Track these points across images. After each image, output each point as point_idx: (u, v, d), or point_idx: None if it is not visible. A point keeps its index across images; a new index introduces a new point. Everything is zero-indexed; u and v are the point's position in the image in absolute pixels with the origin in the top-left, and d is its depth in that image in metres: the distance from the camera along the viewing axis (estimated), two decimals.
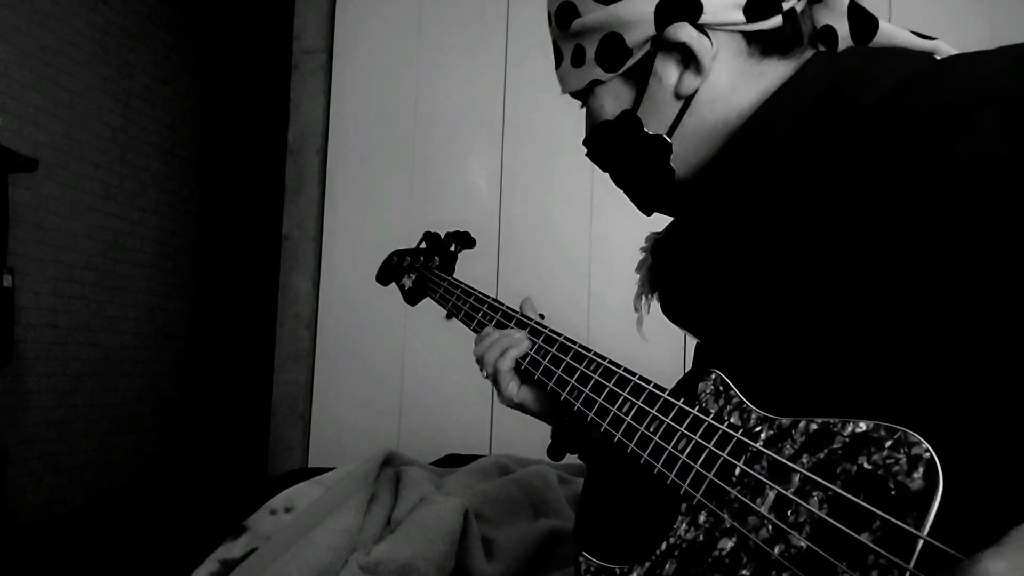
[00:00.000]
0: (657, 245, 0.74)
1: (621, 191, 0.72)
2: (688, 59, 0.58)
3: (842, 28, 0.61)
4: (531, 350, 0.79)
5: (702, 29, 0.57)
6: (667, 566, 0.52)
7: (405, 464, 1.34)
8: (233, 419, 4.28)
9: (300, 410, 2.74)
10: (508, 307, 0.87)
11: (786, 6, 0.58)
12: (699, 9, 0.56)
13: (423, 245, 1.17)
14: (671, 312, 0.68)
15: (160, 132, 3.77)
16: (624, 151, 0.65)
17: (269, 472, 2.70)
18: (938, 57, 0.53)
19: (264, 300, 3.58)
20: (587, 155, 0.70)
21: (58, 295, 3.11)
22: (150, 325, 3.71)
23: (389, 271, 1.21)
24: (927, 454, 0.39)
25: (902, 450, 0.40)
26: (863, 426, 0.43)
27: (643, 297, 0.76)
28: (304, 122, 2.83)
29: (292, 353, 2.77)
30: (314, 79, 2.83)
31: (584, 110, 0.69)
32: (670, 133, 0.61)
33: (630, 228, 0.80)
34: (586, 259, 2.54)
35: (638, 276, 0.78)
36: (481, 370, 0.85)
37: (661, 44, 0.59)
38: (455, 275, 1.09)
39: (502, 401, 0.83)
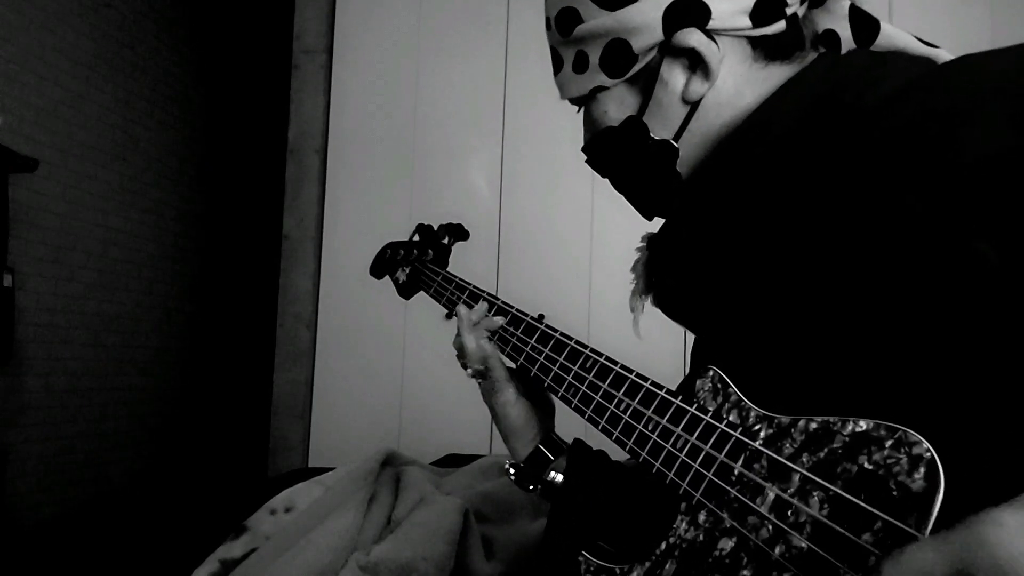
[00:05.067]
0: (654, 241, 0.74)
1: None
2: (696, 64, 0.58)
3: (844, 31, 0.61)
4: (527, 347, 0.78)
5: (709, 34, 0.57)
6: (667, 566, 0.52)
7: (405, 464, 1.34)
8: (233, 419, 4.28)
9: (300, 410, 2.74)
10: (504, 302, 0.86)
11: (788, 11, 0.58)
12: (707, 15, 0.56)
13: (416, 237, 1.15)
14: (667, 306, 0.68)
15: (160, 132, 3.77)
16: (629, 157, 0.64)
17: (269, 472, 2.70)
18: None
19: (264, 300, 3.58)
20: (587, 161, 0.69)
21: (58, 295, 3.10)
22: (150, 325, 3.70)
23: (383, 264, 1.19)
24: (928, 454, 0.38)
25: (903, 450, 0.40)
26: (863, 425, 0.42)
27: (638, 297, 0.76)
28: (304, 122, 2.83)
29: (292, 353, 2.77)
30: (314, 79, 2.83)
31: (581, 114, 0.68)
32: (676, 138, 0.61)
33: (631, 227, 0.80)
34: (586, 259, 2.54)
35: (633, 275, 0.78)
36: (465, 368, 0.85)
37: (669, 50, 0.58)
38: (449, 268, 1.08)
39: (491, 401, 0.82)
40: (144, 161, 3.64)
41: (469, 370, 0.85)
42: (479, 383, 0.85)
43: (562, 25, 0.63)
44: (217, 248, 4.29)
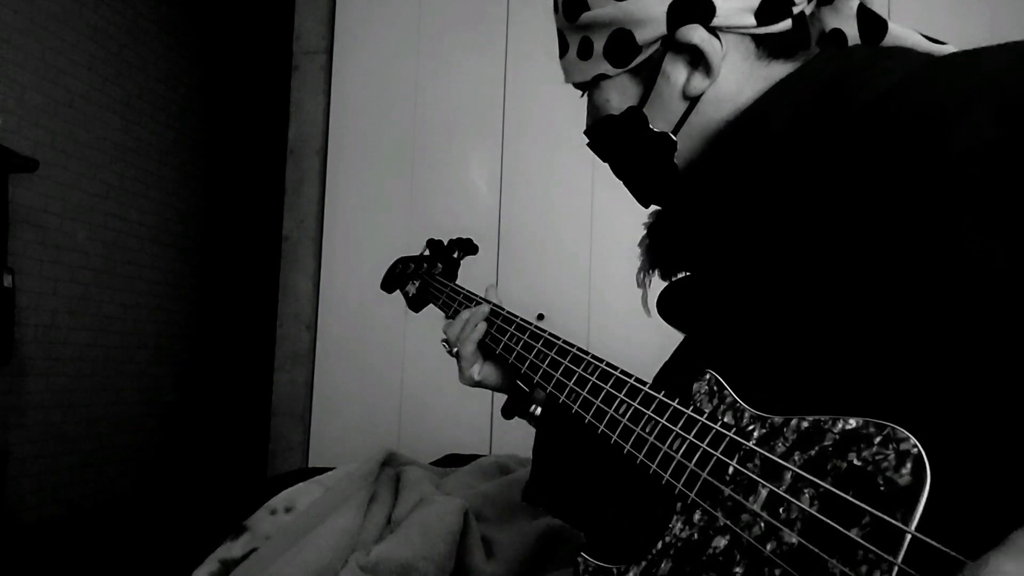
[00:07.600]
0: (652, 228, 0.75)
1: (619, 184, 0.72)
2: (697, 60, 0.58)
3: (851, 31, 0.60)
4: (531, 354, 0.79)
5: (713, 31, 0.57)
6: (663, 565, 0.52)
7: (405, 464, 1.35)
8: (233, 419, 4.28)
9: (300, 410, 2.74)
10: (508, 312, 0.88)
11: (795, 10, 0.58)
12: (711, 11, 0.57)
13: (427, 252, 1.19)
14: (663, 308, 0.69)
15: (160, 132, 3.77)
16: (628, 146, 0.65)
17: (269, 472, 2.70)
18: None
19: (264, 300, 3.58)
20: (588, 145, 0.70)
21: (58, 295, 3.11)
22: (150, 325, 3.71)
23: (393, 279, 1.23)
24: (915, 450, 0.39)
25: (890, 446, 0.40)
26: (853, 423, 0.43)
27: (645, 272, 0.76)
28: (304, 122, 2.83)
29: (292, 353, 2.77)
30: (314, 79, 2.84)
31: (585, 99, 0.69)
32: (675, 131, 0.62)
33: (631, 228, 0.81)
34: (586, 259, 2.55)
35: (640, 250, 0.78)
36: (449, 350, 0.94)
37: (671, 44, 0.59)
38: (457, 281, 1.10)
39: (462, 380, 0.92)
40: (144, 161, 3.65)
41: (450, 349, 0.94)
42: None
43: (569, 10, 0.64)
44: (217, 249, 4.30)
